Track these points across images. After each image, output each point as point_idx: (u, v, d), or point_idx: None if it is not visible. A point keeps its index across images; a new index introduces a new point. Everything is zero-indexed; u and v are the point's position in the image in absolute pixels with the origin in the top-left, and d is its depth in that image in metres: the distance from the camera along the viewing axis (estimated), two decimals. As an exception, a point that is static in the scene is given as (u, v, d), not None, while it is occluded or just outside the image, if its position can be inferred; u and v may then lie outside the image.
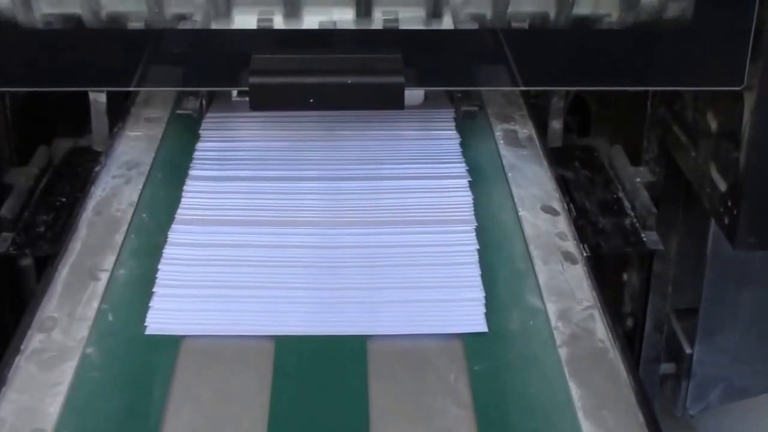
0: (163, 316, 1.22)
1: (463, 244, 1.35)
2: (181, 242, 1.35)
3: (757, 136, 1.43)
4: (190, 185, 1.48)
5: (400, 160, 1.55)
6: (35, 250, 1.57)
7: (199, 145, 1.59)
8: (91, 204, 1.47)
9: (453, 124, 1.65)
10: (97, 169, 1.57)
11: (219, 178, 1.50)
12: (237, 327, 1.21)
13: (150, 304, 1.24)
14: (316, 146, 1.59)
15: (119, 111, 1.75)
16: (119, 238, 1.38)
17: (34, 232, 1.60)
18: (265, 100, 1.46)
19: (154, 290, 1.26)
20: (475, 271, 1.30)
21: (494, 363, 1.16)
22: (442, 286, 1.27)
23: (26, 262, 1.65)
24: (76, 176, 1.73)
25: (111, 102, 1.74)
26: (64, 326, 1.21)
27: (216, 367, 1.16)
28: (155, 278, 1.28)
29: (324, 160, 1.55)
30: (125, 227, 1.41)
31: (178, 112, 1.64)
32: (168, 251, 1.33)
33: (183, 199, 1.44)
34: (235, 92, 1.62)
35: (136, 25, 1.48)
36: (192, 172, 1.51)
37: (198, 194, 1.46)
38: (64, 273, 1.31)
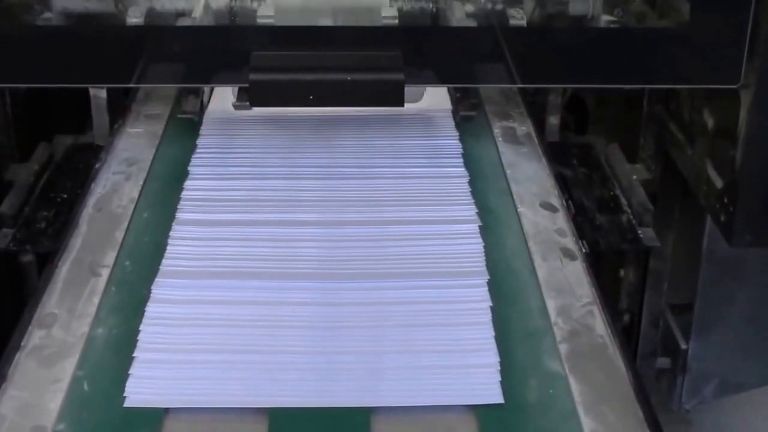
0: (144, 386, 1.10)
1: (474, 301, 1.23)
2: (165, 299, 1.22)
3: (754, 134, 1.43)
4: (176, 230, 1.35)
5: (405, 201, 1.43)
6: (36, 246, 1.57)
7: (188, 183, 1.47)
8: (91, 200, 1.47)
9: (461, 159, 1.55)
10: (97, 165, 1.57)
11: (208, 222, 1.37)
12: (226, 398, 1.09)
13: (130, 372, 1.12)
14: (313, 185, 1.47)
15: (120, 108, 1.75)
16: (119, 234, 1.38)
17: (35, 228, 1.59)
18: (265, 97, 1.47)
19: (134, 355, 1.14)
20: (489, 333, 1.18)
21: None
22: (453, 350, 1.16)
23: (27, 258, 1.64)
24: (76, 172, 1.72)
25: (111, 98, 1.74)
26: (65, 322, 1.21)
27: None
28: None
29: (322, 201, 1.43)
30: (126, 224, 1.40)
31: (179, 116, 1.63)
32: (151, 309, 1.20)
33: (168, 248, 1.32)
34: (233, 97, 1.62)
35: (136, 21, 1.48)
36: (179, 215, 1.39)
37: (185, 241, 1.33)
38: (64, 269, 1.31)
